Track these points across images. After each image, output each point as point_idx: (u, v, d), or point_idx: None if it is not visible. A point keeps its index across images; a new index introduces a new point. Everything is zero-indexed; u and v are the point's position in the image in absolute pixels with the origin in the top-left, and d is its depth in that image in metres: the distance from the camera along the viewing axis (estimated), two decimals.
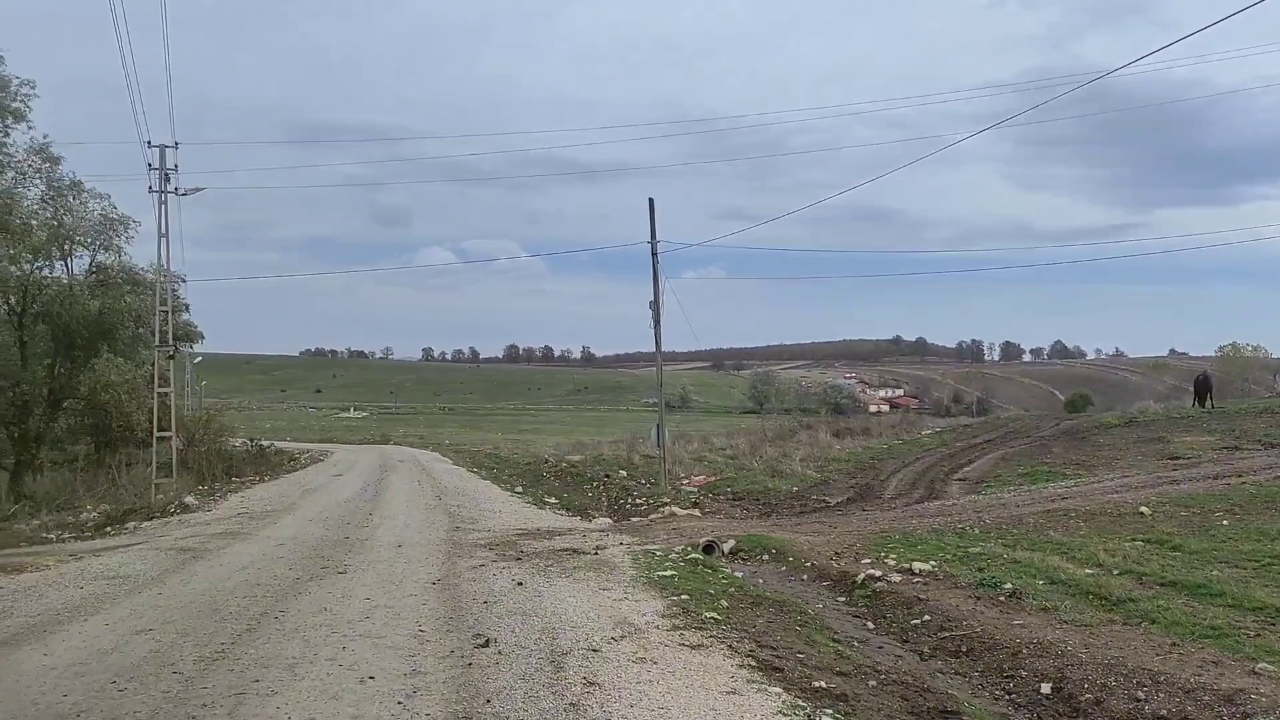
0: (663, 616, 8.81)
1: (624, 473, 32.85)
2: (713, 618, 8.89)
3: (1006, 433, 37.41)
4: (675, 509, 18.04)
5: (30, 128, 30.13)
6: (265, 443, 55.61)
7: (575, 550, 12.95)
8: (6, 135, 29.98)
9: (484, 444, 67.33)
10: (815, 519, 17.38)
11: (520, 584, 10.36)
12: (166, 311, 25.57)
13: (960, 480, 24.32)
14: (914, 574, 11.54)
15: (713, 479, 27.33)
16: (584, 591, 9.97)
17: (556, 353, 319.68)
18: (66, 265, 36.71)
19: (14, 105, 29.31)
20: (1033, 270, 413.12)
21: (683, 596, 9.73)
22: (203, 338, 49.51)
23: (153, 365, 27.60)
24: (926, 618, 9.66)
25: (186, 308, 46.97)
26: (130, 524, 21.01)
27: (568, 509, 24.17)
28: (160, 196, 23.23)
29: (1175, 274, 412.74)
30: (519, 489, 28.76)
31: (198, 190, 23.98)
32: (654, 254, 24.14)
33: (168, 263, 25.16)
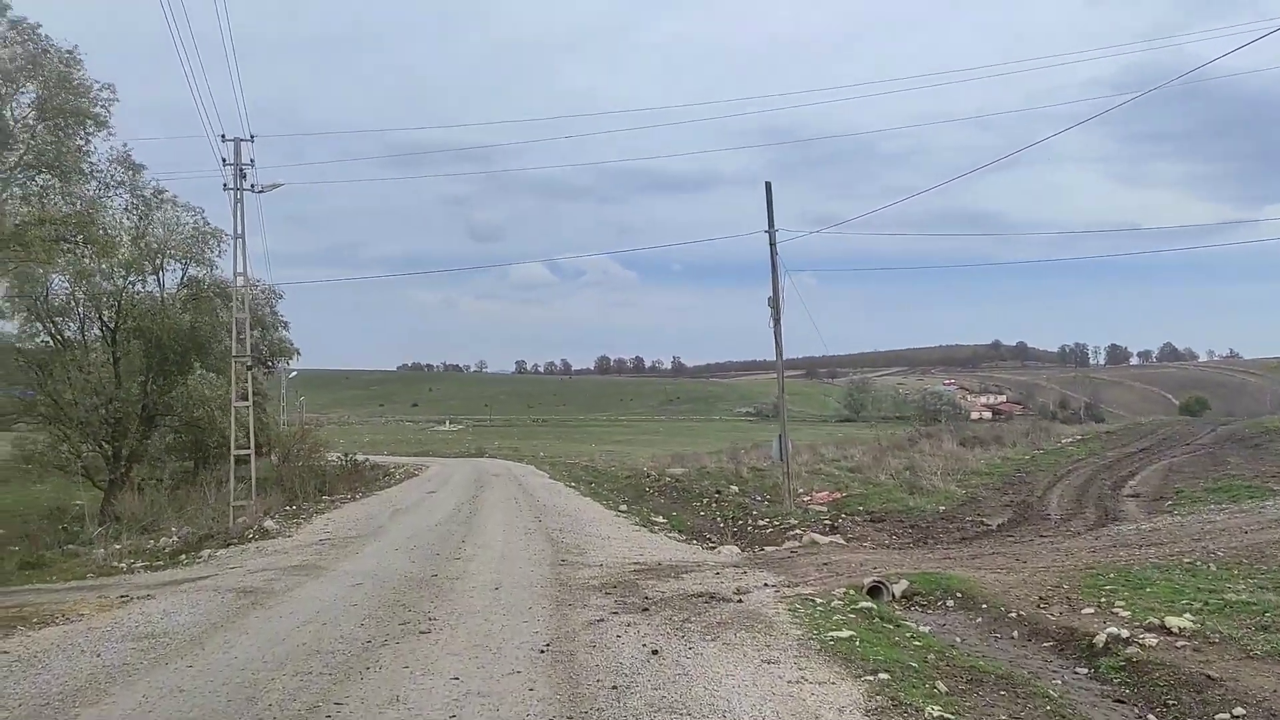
0: (868, 715, 6.16)
1: (735, 488, 30.18)
2: (939, 716, 6.21)
3: (1159, 440, 33.64)
4: (814, 536, 15.35)
5: (111, 134, 28.91)
6: (360, 457, 54.75)
7: (712, 596, 10.36)
8: (88, 143, 28.78)
9: (579, 456, 65.29)
10: (985, 547, 14.49)
11: (656, 652, 7.82)
12: (245, 318, 23.86)
13: (1133, 496, 21.06)
14: (1172, 633, 8.63)
15: (839, 495, 24.46)
16: (743, 665, 7.37)
17: (647, 363, 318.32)
18: (159, 279, 35.86)
19: (95, 110, 28.07)
20: (1139, 270, 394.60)
21: (881, 675, 7.05)
22: (299, 354, 48.67)
23: (234, 377, 25.95)
24: (1239, 712, 6.78)
25: (285, 325, 46.21)
26: (205, 551, 19.23)
27: (681, 532, 21.61)
28: (235, 194, 21.51)
29: None
30: (622, 507, 26.33)
31: (276, 186, 22.26)
32: (772, 244, 21.47)
33: (244, 264, 23.56)
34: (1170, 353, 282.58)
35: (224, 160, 21.37)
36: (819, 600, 10.13)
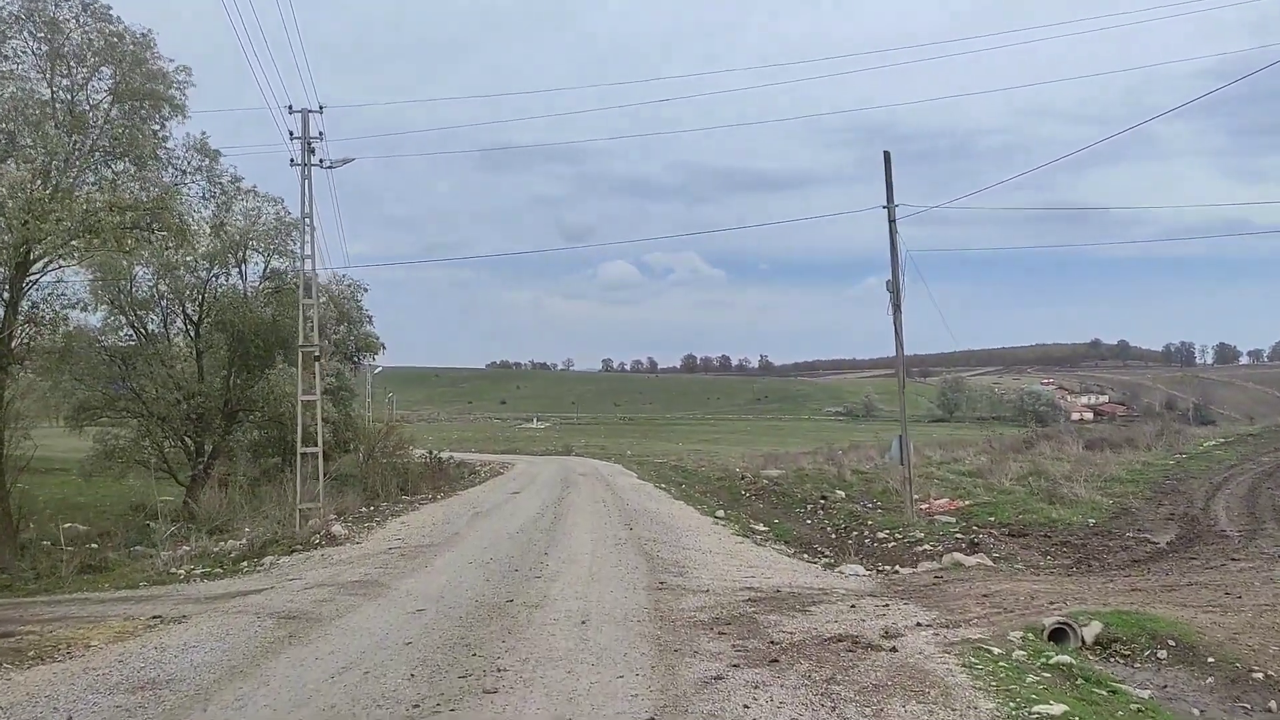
0: None
1: (840, 493, 27.69)
2: None
3: None
4: (958, 556, 12.98)
5: (186, 118, 27.72)
6: (445, 455, 53.67)
7: (855, 641, 8.14)
8: (163, 127, 27.65)
9: (666, 455, 63.20)
10: (1170, 574, 11.94)
11: None
12: (314, 305, 22.40)
13: None
14: None
15: (963, 504, 21.88)
16: None
17: (734, 362, 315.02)
18: (241, 272, 34.98)
19: (170, 94, 26.93)
20: (1250, 266, 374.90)
21: None
22: (384, 348, 47.44)
23: (314, 369, 24.52)
24: None
25: (369, 319, 45.19)
26: (268, 558, 17.70)
27: (787, 543, 19.34)
28: (304, 170, 19.95)
29: None
30: (719, 513, 24.17)
31: (346, 161, 20.62)
32: (891, 220, 19.03)
33: (311, 246, 22.06)
34: None
35: (291, 133, 19.85)
36: (995, 649, 7.83)
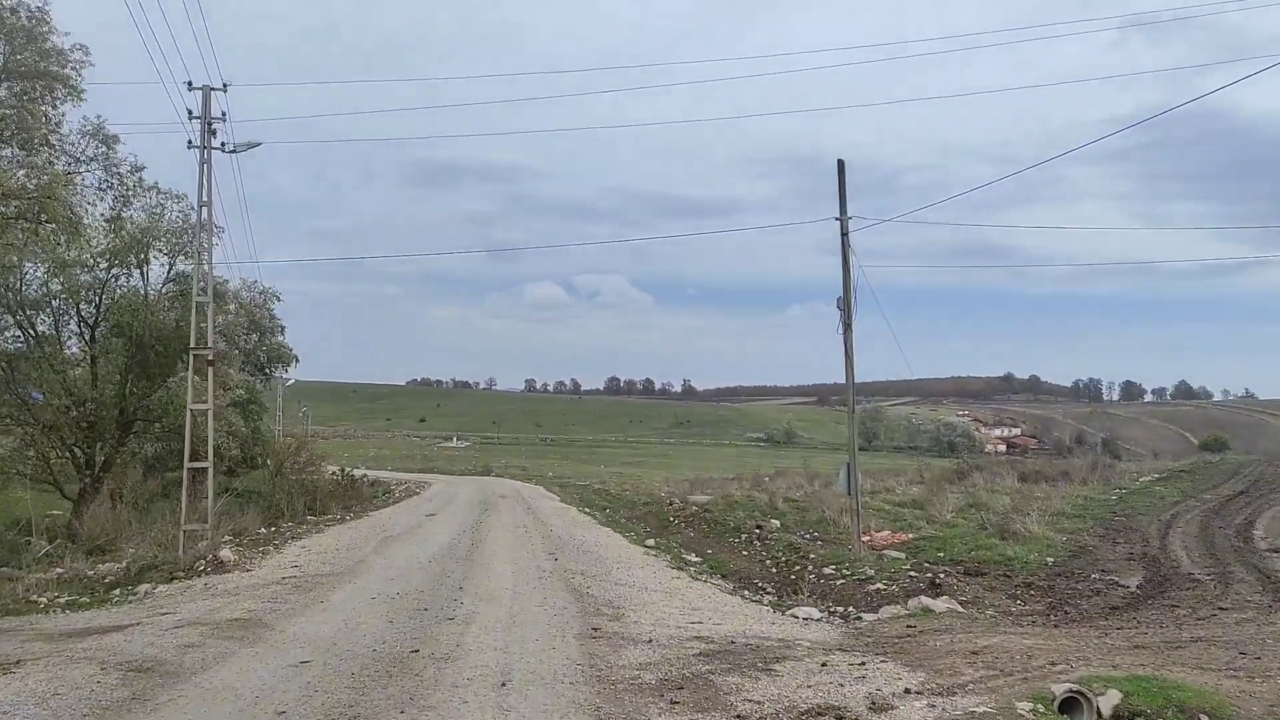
0: None
1: (776, 522, 26.41)
2: None
3: (1251, 481, 29.82)
4: (926, 601, 11.62)
5: (81, 100, 25.29)
6: (359, 472, 51.24)
7: (840, 715, 6.64)
8: (56, 108, 25.19)
9: (589, 478, 61.53)
10: (1163, 626, 10.65)
11: None
12: (208, 301, 20.39)
13: (1275, 551, 17.27)
14: None
15: (907, 536, 20.69)
16: None
17: (658, 385, 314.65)
18: (143, 273, 32.47)
19: (65, 73, 24.53)
20: (1154, 308, 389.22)
21: None
22: (297, 360, 45.05)
23: (208, 375, 22.33)
24: None
25: (282, 328, 42.74)
26: (144, 586, 15.61)
27: (725, 576, 17.86)
28: (202, 153, 17.89)
29: None
30: (649, 542, 22.62)
31: (252, 146, 18.58)
32: (844, 234, 17.78)
33: (210, 238, 20.03)
34: (1185, 391, 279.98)
35: (189, 113, 17.80)
36: None
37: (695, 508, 32.40)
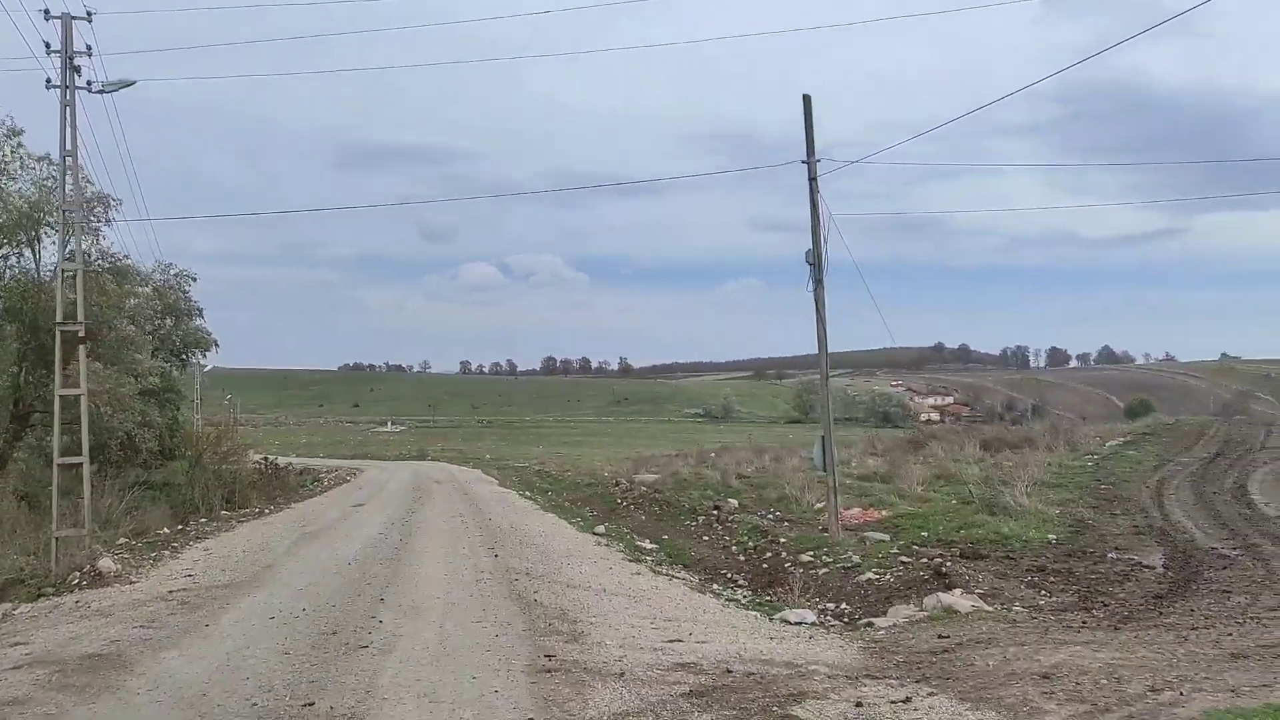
0: None
1: (734, 501, 24.53)
2: None
3: (1223, 443, 28.88)
4: (943, 598, 9.70)
5: None
6: (284, 461, 48.51)
7: None
8: None
9: (528, 459, 59.25)
10: (1230, 617, 8.90)
11: None
12: (75, 268, 17.78)
13: None
14: None
15: (883, 514, 18.93)
16: None
17: (594, 364, 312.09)
18: (35, 252, 29.51)
19: None
20: (1077, 276, 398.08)
21: None
22: (216, 346, 42.01)
23: (59, 355, 19.63)
24: None
25: (200, 312, 39.99)
26: (3, 607, 13.05)
27: (687, 567, 15.89)
28: (64, 93, 15.11)
29: (1225, 279, 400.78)
30: (599, 528, 20.56)
31: (125, 85, 15.79)
32: (811, 178, 15.80)
33: (75, 189, 17.39)
34: (1109, 355, 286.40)
35: (47, 46, 15.00)
36: None
37: (644, 488, 30.48)
